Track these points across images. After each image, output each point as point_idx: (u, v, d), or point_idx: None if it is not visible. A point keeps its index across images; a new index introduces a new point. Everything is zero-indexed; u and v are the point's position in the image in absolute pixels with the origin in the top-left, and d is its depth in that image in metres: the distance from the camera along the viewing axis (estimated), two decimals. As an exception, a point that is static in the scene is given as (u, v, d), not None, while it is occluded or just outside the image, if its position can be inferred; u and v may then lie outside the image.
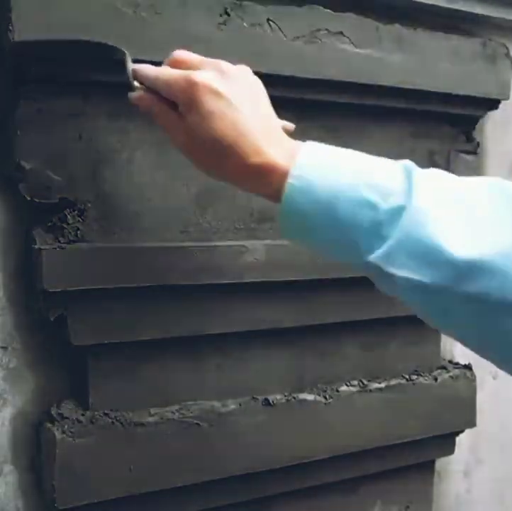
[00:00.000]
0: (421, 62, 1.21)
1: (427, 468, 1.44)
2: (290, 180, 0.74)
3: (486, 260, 0.69)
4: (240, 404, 1.13)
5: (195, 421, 1.08)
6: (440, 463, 1.48)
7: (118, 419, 1.03)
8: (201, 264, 1.04)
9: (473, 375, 1.38)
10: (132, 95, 0.83)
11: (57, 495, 0.98)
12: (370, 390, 1.26)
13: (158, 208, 1.06)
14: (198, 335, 1.09)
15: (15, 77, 0.95)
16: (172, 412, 1.08)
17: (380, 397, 1.26)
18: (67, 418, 1.00)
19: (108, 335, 1.01)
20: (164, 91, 0.78)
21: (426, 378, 1.32)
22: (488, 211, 0.74)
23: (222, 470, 1.11)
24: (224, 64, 0.79)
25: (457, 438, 1.42)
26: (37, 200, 0.97)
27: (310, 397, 1.19)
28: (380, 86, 1.17)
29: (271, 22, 1.06)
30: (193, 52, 0.99)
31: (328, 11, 1.11)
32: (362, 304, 1.23)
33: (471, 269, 0.69)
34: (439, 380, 1.33)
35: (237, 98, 0.74)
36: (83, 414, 1.02)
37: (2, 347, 1.01)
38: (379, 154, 1.24)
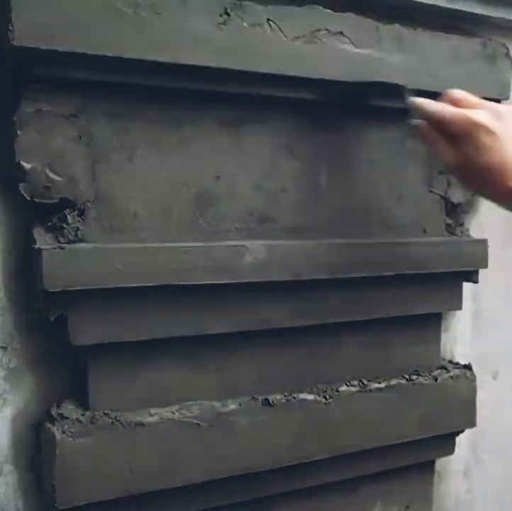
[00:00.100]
0: (421, 62, 1.21)
1: (427, 468, 1.44)
2: None
3: None
4: (240, 404, 1.13)
5: (195, 421, 1.08)
6: (440, 463, 1.48)
7: (118, 419, 1.03)
8: (201, 264, 1.04)
9: (473, 375, 1.38)
10: (413, 122, 1.02)
11: (57, 495, 0.98)
12: (370, 390, 1.26)
13: (158, 208, 1.06)
14: (198, 335, 1.09)
15: (15, 77, 0.95)
16: (172, 412, 1.08)
17: (380, 397, 1.26)
18: (67, 418, 1.00)
19: (108, 335, 1.01)
20: (443, 124, 0.95)
21: (426, 378, 1.32)
22: None
23: (222, 470, 1.11)
24: (498, 106, 0.95)
25: (457, 438, 1.42)
26: (37, 200, 0.97)
27: (310, 397, 1.19)
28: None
29: (271, 22, 1.06)
30: (194, 52, 1.00)
31: (328, 11, 1.11)
32: (362, 304, 1.23)
33: None
34: (439, 380, 1.33)
35: (505, 135, 0.90)
36: (83, 414, 1.02)
37: (2, 347, 1.01)
38: (379, 154, 1.24)
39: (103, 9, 0.93)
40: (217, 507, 1.15)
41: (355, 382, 1.26)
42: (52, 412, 1.01)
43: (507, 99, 1.32)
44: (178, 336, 1.07)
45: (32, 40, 0.89)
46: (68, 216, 0.99)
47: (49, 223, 0.99)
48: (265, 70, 1.06)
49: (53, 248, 0.95)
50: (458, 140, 0.93)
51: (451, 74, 1.24)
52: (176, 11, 0.98)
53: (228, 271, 1.06)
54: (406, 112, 1.25)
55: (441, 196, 1.34)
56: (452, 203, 1.35)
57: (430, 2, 1.26)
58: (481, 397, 1.40)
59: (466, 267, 1.32)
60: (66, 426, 0.99)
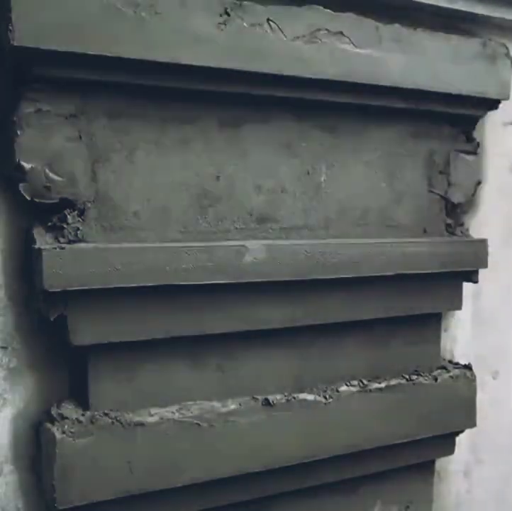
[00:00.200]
0: (421, 62, 1.20)
1: (427, 468, 1.44)
2: None
3: None
4: (240, 404, 1.13)
5: (195, 421, 1.08)
6: (440, 463, 1.48)
7: (118, 419, 1.03)
8: (201, 264, 1.04)
9: (473, 375, 1.38)
10: None
11: (57, 495, 0.98)
12: (370, 390, 1.25)
13: (158, 208, 1.06)
14: (198, 335, 1.09)
15: (15, 77, 0.95)
16: (172, 412, 1.08)
17: (380, 397, 1.26)
18: (67, 418, 1.00)
19: (108, 335, 1.01)
20: None
21: (426, 378, 1.32)
22: None
23: (222, 470, 1.11)
24: None
25: (457, 438, 1.42)
26: (37, 200, 0.97)
27: (310, 397, 1.19)
28: (380, 86, 1.17)
29: (271, 22, 1.06)
30: (194, 52, 1.00)
31: (328, 11, 1.11)
32: (362, 304, 1.23)
33: None
34: (439, 380, 1.33)
35: None
36: (83, 414, 1.02)
37: (2, 347, 1.01)
38: (379, 154, 1.24)
39: (103, 9, 0.93)
40: (217, 507, 1.15)
41: (355, 382, 1.26)
42: (52, 412, 1.01)
43: (507, 98, 1.33)
44: (178, 336, 1.07)
45: (32, 40, 0.89)
46: (68, 216, 0.99)
47: (50, 223, 0.99)
48: (265, 70, 1.06)
49: (53, 248, 0.95)
50: None
51: (451, 73, 1.24)
52: (176, 11, 0.98)
53: (228, 271, 1.06)
54: (406, 112, 1.25)
55: (441, 196, 1.34)
56: (452, 203, 1.35)
57: (430, 2, 1.26)
58: (481, 397, 1.40)
59: (466, 267, 1.32)
60: (66, 426, 0.99)
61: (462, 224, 1.39)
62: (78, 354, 1.04)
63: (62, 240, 0.98)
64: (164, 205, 1.07)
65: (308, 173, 1.19)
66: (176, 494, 1.08)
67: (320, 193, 1.20)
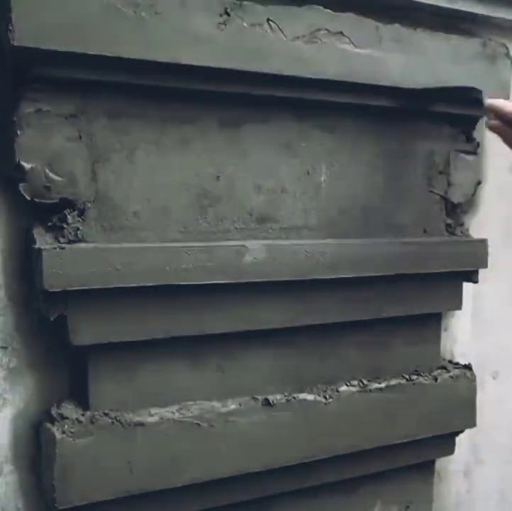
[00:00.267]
0: (421, 61, 1.21)
1: (427, 468, 1.44)
2: None
3: None
4: (240, 404, 1.13)
5: (195, 421, 1.08)
6: (440, 463, 1.48)
7: (118, 419, 1.03)
8: (201, 264, 1.04)
9: (473, 375, 1.38)
10: (490, 123, 1.12)
11: (57, 495, 0.98)
12: (370, 390, 1.25)
13: (158, 208, 1.06)
14: (198, 335, 1.09)
15: (15, 77, 0.95)
16: (172, 412, 1.08)
17: (380, 397, 1.26)
18: (67, 418, 1.00)
19: (108, 335, 1.01)
20: None
21: (426, 378, 1.32)
22: None
23: (222, 470, 1.11)
24: None
25: (457, 438, 1.42)
26: (37, 200, 0.97)
27: (310, 397, 1.19)
28: (380, 86, 1.17)
29: (271, 22, 1.06)
30: (194, 52, 1.00)
31: (328, 11, 1.11)
32: (362, 304, 1.23)
33: None
34: (439, 380, 1.33)
35: None
36: (83, 414, 1.02)
37: (2, 347, 1.01)
38: (379, 154, 1.24)
39: (103, 9, 0.93)
40: (217, 507, 1.15)
41: (355, 382, 1.26)
42: (52, 412, 1.01)
43: (507, 98, 1.32)
44: (178, 336, 1.07)
45: (32, 40, 0.89)
46: (68, 216, 0.99)
47: (50, 223, 0.99)
48: (265, 70, 1.06)
49: (53, 248, 0.95)
50: None
51: (451, 73, 1.24)
52: (176, 11, 0.98)
53: (228, 271, 1.06)
54: (406, 112, 1.25)
55: (441, 196, 1.34)
56: (452, 203, 1.35)
57: (430, 2, 1.26)
58: (481, 397, 1.40)
59: (466, 267, 1.32)
60: (66, 426, 0.99)
61: (462, 224, 1.39)
62: (78, 354, 1.04)
63: (62, 240, 0.98)
64: (164, 205, 1.07)
65: (308, 173, 1.19)
66: (176, 494, 1.08)
67: (320, 193, 1.20)
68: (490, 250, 1.33)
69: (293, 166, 1.17)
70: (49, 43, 0.90)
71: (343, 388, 1.24)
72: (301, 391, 1.20)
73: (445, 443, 1.40)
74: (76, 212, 1.00)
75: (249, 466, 1.14)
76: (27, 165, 0.95)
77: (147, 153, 1.05)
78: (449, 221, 1.36)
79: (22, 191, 0.95)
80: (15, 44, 0.88)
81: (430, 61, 1.22)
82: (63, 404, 1.03)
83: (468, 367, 1.39)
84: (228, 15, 1.02)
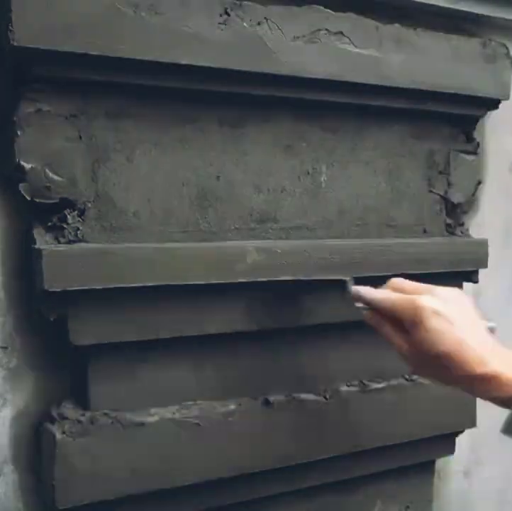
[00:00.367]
0: (421, 62, 1.21)
1: (427, 468, 1.44)
2: None
3: None
4: (240, 404, 1.13)
5: (195, 421, 1.08)
6: (440, 463, 1.48)
7: (118, 419, 1.03)
8: (201, 264, 1.04)
9: (473, 375, 1.38)
10: (365, 314, 0.99)
11: (57, 495, 0.98)
12: (370, 390, 1.25)
13: (158, 208, 1.06)
14: (198, 335, 1.09)
15: (15, 77, 0.95)
16: (172, 412, 1.08)
17: (380, 397, 1.26)
18: (66, 418, 1.00)
19: (108, 335, 1.01)
20: (389, 311, 0.92)
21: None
22: None
23: (222, 470, 1.11)
24: (438, 289, 0.91)
25: (457, 438, 1.42)
26: (37, 200, 0.97)
27: (310, 397, 1.19)
28: (380, 86, 1.17)
29: (271, 22, 1.06)
30: (193, 52, 1.00)
31: (328, 10, 1.11)
32: (362, 304, 1.23)
33: None
34: (439, 380, 1.33)
35: (456, 318, 0.86)
36: (83, 414, 1.02)
37: (2, 347, 1.01)
38: (379, 154, 1.24)
39: (103, 9, 0.93)
40: (217, 507, 1.15)
41: (355, 382, 1.26)
42: (52, 412, 1.01)
43: (507, 98, 1.33)
44: (178, 336, 1.07)
45: (32, 40, 0.89)
46: (68, 216, 0.99)
47: (50, 223, 0.99)
48: (265, 70, 1.06)
49: (53, 248, 0.95)
50: (409, 327, 0.89)
51: (451, 74, 1.24)
52: (176, 11, 0.98)
53: (228, 271, 1.06)
54: (406, 112, 1.25)
55: (441, 196, 1.34)
56: (452, 203, 1.35)
57: (430, 2, 1.26)
58: (481, 397, 1.40)
59: (466, 267, 1.32)
60: (66, 426, 0.99)
61: (462, 224, 1.39)
62: (78, 354, 1.04)
63: (62, 240, 0.98)
64: (164, 205, 1.07)
65: (308, 173, 1.19)
66: (176, 494, 1.08)
67: (320, 193, 1.20)
68: (490, 250, 1.33)
69: (293, 166, 1.17)
70: (49, 43, 0.90)
71: (343, 388, 1.24)
72: (301, 391, 1.20)
73: (445, 443, 1.40)
74: (76, 212, 1.00)
75: (249, 466, 1.14)
76: (27, 165, 0.95)
77: (147, 153, 1.05)
78: (449, 221, 1.36)
79: (22, 191, 0.95)
80: (15, 44, 0.88)
81: (430, 61, 1.22)
82: (63, 404, 1.03)
83: (468, 367, 1.39)
84: (228, 15, 1.02)
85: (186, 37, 0.99)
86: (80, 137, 0.99)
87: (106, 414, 1.03)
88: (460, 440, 1.43)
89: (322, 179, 1.20)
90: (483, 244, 1.33)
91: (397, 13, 1.23)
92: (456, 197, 1.35)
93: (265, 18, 1.05)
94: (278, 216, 1.17)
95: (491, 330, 0.95)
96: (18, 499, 1.04)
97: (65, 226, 0.99)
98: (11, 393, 1.02)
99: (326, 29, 1.11)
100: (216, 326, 1.10)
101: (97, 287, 0.97)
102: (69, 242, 0.98)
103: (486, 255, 1.33)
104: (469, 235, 1.39)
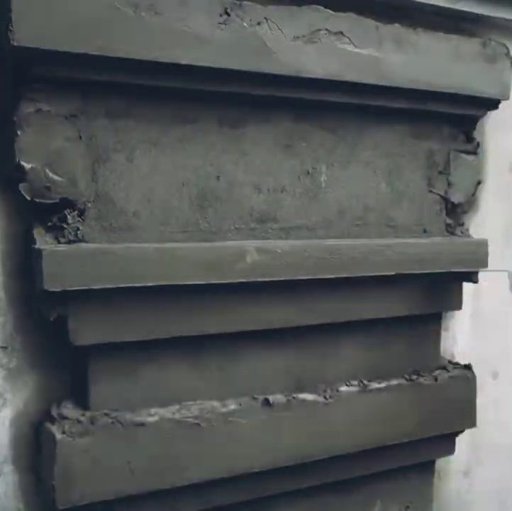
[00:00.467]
0: (421, 62, 1.20)
1: (427, 468, 1.44)
2: None
3: None
4: (240, 404, 1.13)
5: (195, 421, 1.08)
6: (440, 463, 1.48)
7: (118, 419, 1.03)
8: (201, 264, 1.04)
9: (473, 375, 1.38)
10: None
11: (57, 495, 0.98)
12: (370, 390, 1.25)
13: (158, 208, 1.06)
14: (198, 335, 1.09)
15: (15, 77, 0.95)
16: (172, 412, 1.08)
17: (380, 397, 1.26)
18: (66, 418, 1.00)
19: (108, 335, 1.01)
20: None
21: (426, 378, 1.32)
22: None
23: (222, 470, 1.11)
24: None
25: (457, 438, 1.42)
26: (37, 200, 0.97)
27: (310, 397, 1.19)
28: (380, 86, 1.17)
29: (271, 22, 1.06)
30: (194, 52, 1.00)
31: (328, 10, 1.11)
32: (362, 304, 1.23)
33: None
34: (439, 380, 1.33)
35: None
36: (83, 414, 1.02)
37: (2, 347, 1.01)
38: (379, 154, 1.24)
39: (103, 9, 0.93)
40: (217, 507, 1.15)
41: (355, 382, 1.26)
42: (52, 412, 1.01)
43: (507, 98, 1.33)
44: (178, 336, 1.07)
45: (32, 40, 0.89)
46: (68, 216, 0.99)
47: (50, 223, 0.99)
48: (265, 70, 1.06)
49: (53, 248, 0.95)
50: None
51: (451, 74, 1.24)
52: (176, 11, 0.98)
53: (228, 271, 1.06)
54: (406, 112, 1.26)
55: (441, 196, 1.34)
56: (452, 203, 1.35)
57: (430, 2, 1.26)
58: (481, 397, 1.40)
59: (466, 268, 1.32)
60: (66, 426, 0.99)
61: (462, 224, 1.39)
62: (78, 354, 1.04)
63: (62, 240, 0.98)
64: (164, 205, 1.07)
65: (308, 173, 1.19)
66: (176, 494, 1.08)
67: (320, 193, 1.20)
68: (490, 250, 1.33)
69: (293, 166, 1.17)
70: (49, 43, 0.90)
71: (343, 388, 1.24)
72: (301, 391, 1.20)
73: (445, 443, 1.40)
74: (76, 212, 1.00)
75: (249, 466, 1.14)
76: (27, 165, 0.95)
77: (147, 153, 1.05)
78: (449, 221, 1.36)
79: (22, 191, 0.95)
80: (15, 44, 0.88)
81: (430, 61, 1.21)
82: (63, 404, 1.03)
83: (468, 367, 1.39)
84: (228, 15, 1.02)
85: (186, 37, 0.99)
86: (80, 137, 0.99)
87: (106, 414, 1.03)
88: (460, 440, 1.43)
89: (322, 179, 1.20)
90: (483, 244, 1.33)
91: (397, 13, 1.23)
92: (456, 197, 1.35)
93: (265, 18, 1.05)
94: (278, 216, 1.17)
95: None
96: (18, 499, 1.04)
97: (65, 226, 0.99)
98: (11, 393, 1.02)
99: (326, 29, 1.11)
100: (216, 326, 1.10)
101: (97, 287, 0.97)
102: (69, 242, 0.98)
103: (486, 255, 1.33)
104: (469, 235, 1.39)
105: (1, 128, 0.97)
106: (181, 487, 1.08)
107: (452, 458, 1.47)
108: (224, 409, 1.11)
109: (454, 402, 1.35)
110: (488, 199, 1.47)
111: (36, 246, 0.95)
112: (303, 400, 1.18)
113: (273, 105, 1.13)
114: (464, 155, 1.36)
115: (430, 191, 1.33)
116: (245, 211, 1.14)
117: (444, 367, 1.37)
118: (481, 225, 1.46)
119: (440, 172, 1.33)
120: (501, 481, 1.62)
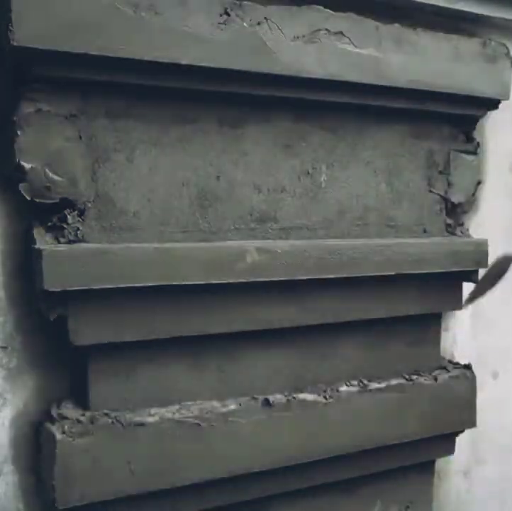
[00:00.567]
0: (421, 61, 1.21)
1: (427, 468, 1.44)
2: None
3: None
4: (240, 404, 1.13)
5: (195, 421, 1.08)
6: (440, 463, 1.48)
7: (118, 419, 1.03)
8: (201, 264, 1.04)
9: (473, 375, 1.38)
10: None
11: (57, 495, 0.98)
12: (370, 390, 1.25)
13: (158, 208, 1.06)
14: (198, 335, 1.09)
15: (15, 77, 0.95)
16: (172, 412, 1.08)
17: (380, 397, 1.26)
18: (66, 418, 1.00)
19: (108, 335, 1.01)
20: None
21: (426, 378, 1.32)
22: None
23: (222, 470, 1.11)
24: None
25: (457, 438, 1.42)
26: (37, 200, 0.97)
27: (310, 397, 1.19)
28: (380, 86, 1.17)
29: (271, 22, 1.06)
30: (194, 52, 1.00)
31: (328, 10, 1.11)
32: (361, 304, 1.23)
33: None
34: (439, 380, 1.33)
35: None
36: (83, 414, 1.02)
37: (2, 347, 1.01)
38: (379, 154, 1.24)
39: (103, 9, 0.93)
40: (217, 507, 1.15)
41: (355, 382, 1.26)
42: (52, 412, 1.01)
43: (507, 98, 1.33)
44: (178, 336, 1.07)
45: (32, 40, 0.89)
46: (68, 216, 0.99)
47: (50, 223, 0.99)
48: (265, 70, 1.06)
49: (53, 248, 0.95)
50: None
51: (451, 74, 1.24)
52: (176, 11, 0.98)
53: (228, 271, 1.06)
54: (406, 112, 1.26)
55: (441, 196, 1.34)
56: (452, 203, 1.35)
57: (430, 2, 1.26)
58: (481, 397, 1.40)
59: (466, 267, 1.32)
60: (66, 426, 0.99)
61: (462, 224, 1.39)
62: (78, 354, 1.04)
63: (62, 240, 0.98)
64: (164, 205, 1.07)
65: (308, 173, 1.19)
66: (176, 494, 1.08)
67: (320, 193, 1.20)
68: (490, 250, 1.33)
69: (293, 166, 1.17)
70: (49, 43, 0.90)
71: (343, 388, 1.24)
72: (301, 391, 1.20)
73: (445, 443, 1.40)
74: (76, 212, 1.00)
75: (249, 466, 1.14)
76: (27, 165, 0.95)
77: (147, 153, 1.05)
78: (449, 221, 1.36)
79: (22, 191, 0.95)
80: (15, 44, 0.88)
81: (430, 61, 1.22)
82: (63, 404, 1.03)
83: (468, 367, 1.39)
84: (228, 15, 1.02)
85: (186, 37, 0.99)
86: (80, 137, 0.99)
87: (105, 414, 1.03)
88: (460, 440, 1.43)
89: (322, 179, 1.20)
90: (483, 244, 1.33)
91: (397, 13, 1.23)
92: (456, 197, 1.36)
93: (265, 18, 1.05)
94: (278, 216, 1.17)
95: None
96: (18, 499, 1.04)
97: (65, 226, 0.99)
98: (11, 393, 1.02)
99: (326, 29, 1.11)
100: (216, 326, 1.10)
101: (97, 287, 0.97)
102: (69, 242, 0.98)
103: (486, 255, 1.33)
104: (469, 235, 1.39)
105: (1, 128, 0.97)
106: (181, 487, 1.08)
107: (452, 458, 1.47)
108: (224, 409, 1.11)
109: (454, 402, 1.35)
110: (488, 199, 1.47)
111: (36, 246, 0.95)
112: (303, 400, 1.18)
113: (273, 105, 1.13)
114: (464, 155, 1.36)
115: (430, 191, 1.33)
116: (245, 211, 1.14)
117: (444, 367, 1.37)
118: (481, 225, 1.46)
119: (440, 172, 1.33)
120: (501, 481, 1.62)
